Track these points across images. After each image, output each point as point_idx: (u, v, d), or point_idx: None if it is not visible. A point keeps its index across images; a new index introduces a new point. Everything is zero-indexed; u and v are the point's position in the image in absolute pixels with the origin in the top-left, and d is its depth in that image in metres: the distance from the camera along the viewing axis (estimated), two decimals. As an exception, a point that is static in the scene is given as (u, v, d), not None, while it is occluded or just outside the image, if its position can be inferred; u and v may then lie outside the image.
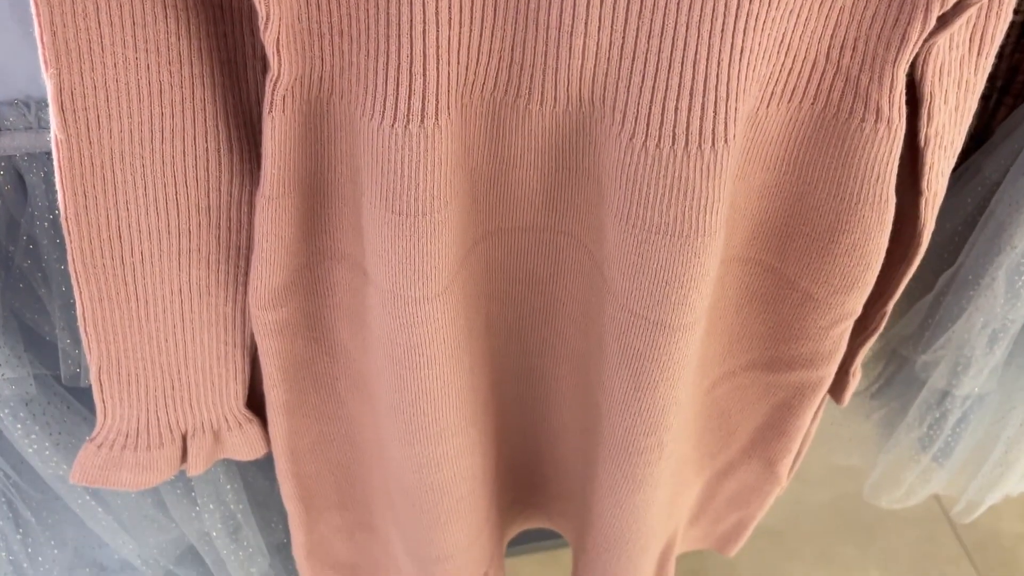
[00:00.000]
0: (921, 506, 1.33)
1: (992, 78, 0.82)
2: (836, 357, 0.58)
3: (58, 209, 0.46)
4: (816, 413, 0.66)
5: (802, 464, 0.73)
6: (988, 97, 0.81)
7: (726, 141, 0.42)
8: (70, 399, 0.60)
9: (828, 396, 0.66)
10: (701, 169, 0.43)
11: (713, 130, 0.42)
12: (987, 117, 0.79)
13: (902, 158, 0.49)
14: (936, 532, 1.30)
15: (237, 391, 0.56)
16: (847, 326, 0.56)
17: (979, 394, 0.73)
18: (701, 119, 0.42)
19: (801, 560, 1.26)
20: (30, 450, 0.58)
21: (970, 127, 0.88)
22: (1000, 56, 0.80)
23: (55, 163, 0.43)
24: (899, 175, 0.49)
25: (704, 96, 0.41)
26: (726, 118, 0.42)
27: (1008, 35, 0.78)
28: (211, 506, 0.65)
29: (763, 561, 1.25)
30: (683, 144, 0.42)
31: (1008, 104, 0.76)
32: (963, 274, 0.68)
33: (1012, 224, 0.65)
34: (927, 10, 0.42)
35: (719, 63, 0.40)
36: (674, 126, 0.42)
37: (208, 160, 0.46)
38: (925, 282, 0.73)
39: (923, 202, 0.51)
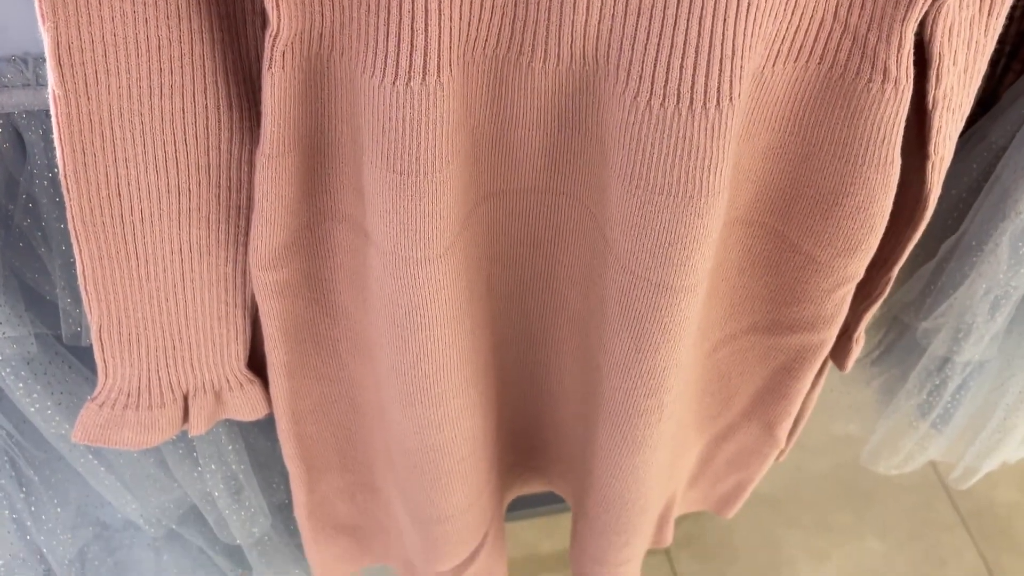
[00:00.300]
0: (918, 474, 1.34)
1: (1000, 42, 0.81)
2: (837, 321, 0.58)
3: (57, 167, 0.46)
4: (817, 379, 0.66)
5: (801, 433, 0.73)
6: (996, 62, 0.80)
7: (731, 100, 0.42)
8: (71, 359, 0.60)
9: (831, 363, 0.66)
10: (706, 128, 0.42)
11: (718, 88, 0.41)
12: (995, 82, 0.78)
13: (909, 121, 0.48)
14: (932, 500, 1.32)
15: (238, 352, 0.56)
16: (849, 289, 0.56)
17: (979, 361, 0.73)
18: (706, 77, 0.41)
19: (799, 527, 1.27)
20: (32, 409, 0.58)
21: (977, 92, 0.87)
22: (1009, 19, 0.79)
23: (53, 119, 0.43)
24: (906, 138, 0.49)
25: (709, 54, 0.41)
26: (731, 76, 0.41)
27: (1015, 6, 0.77)
28: (213, 466, 0.66)
29: (761, 527, 1.27)
30: (688, 103, 0.42)
31: (1016, 70, 0.75)
32: (967, 240, 0.68)
33: (1017, 190, 0.64)
34: (937, -32, 0.41)
35: (724, 20, 0.40)
36: (679, 84, 0.41)
37: (208, 118, 0.45)
38: (928, 249, 0.73)
39: (930, 166, 0.51)
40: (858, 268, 0.54)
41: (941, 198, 0.68)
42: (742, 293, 0.59)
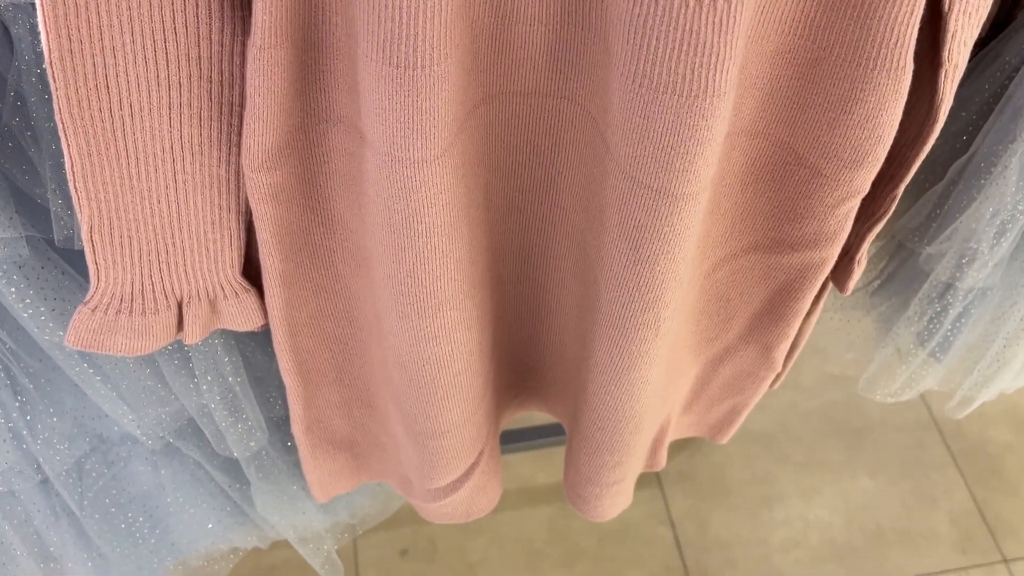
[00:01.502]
0: (910, 413, 1.35)
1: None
2: (840, 238, 0.57)
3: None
4: (817, 301, 0.65)
5: (795, 372, 0.73)
6: (1013, -16, 0.77)
7: (740, -9, 0.40)
8: (65, 265, 0.59)
9: (831, 286, 0.66)
10: (714, 23, 0.41)
11: (727, -21, 0.40)
12: (1009, 4, 0.76)
13: (922, 30, 0.47)
14: (924, 439, 1.33)
15: (233, 258, 0.56)
16: (854, 205, 0.55)
17: (982, 288, 0.73)
18: (715, -33, 0.40)
19: (791, 464, 1.28)
20: (25, 315, 0.58)
21: (990, 16, 0.84)
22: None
23: (37, 2, 0.41)
24: (918, 48, 0.47)
25: None
26: (741, -33, 0.40)
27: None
28: (209, 378, 0.66)
29: (754, 464, 1.28)
30: None
31: (1033, -10, 0.73)
32: (975, 161, 0.66)
33: (1029, 112, 0.63)
34: None
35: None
36: None
37: (197, 4, 0.44)
38: (936, 174, 0.72)
39: (943, 74, 0.49)
40: (864, 182, 0.53)
41: (951, 120, 0.66)
42: (744, 209, 0.58)
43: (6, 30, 0.51)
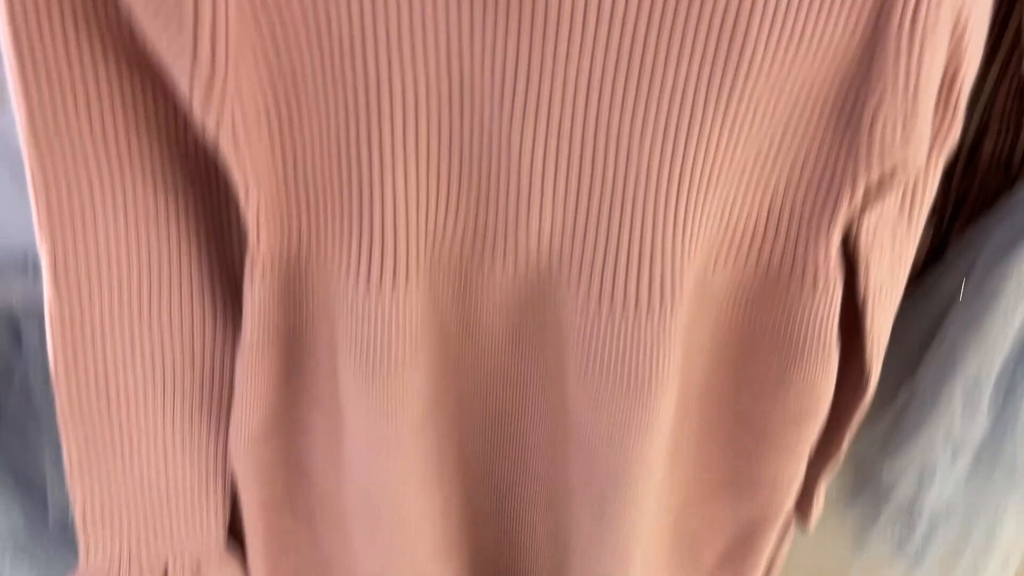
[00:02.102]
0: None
1: (943, 194, 0.86)
2: (793, 487, 0.60)
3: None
4: (783, 536, 0.67)
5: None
6: (943, 212, 0.84)
7: (673, 304, 0.46)
8: (59, 543, 0.61)
9: (795, 520, 0.68)
10: (651, 330, 0.46)
11: (661, 294, 0.45)
12: (943, 232, 0.82)
13: (845, 304, 0.52)
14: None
15: (217, 527, 0.58)
16: (803, 451, 0.58)
17: (946, 507, 0.75)
18: (650, 284, 0.45)
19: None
20: (18, 588, 0.59)
21: (926, 244, 0.91)
22: (950, 175, 0.84)
23: (47, 320, 0.46)
24: (843, 322, 0.52)
25: (651, 263, 0.45)
26: (673, 283, 0.45)
27: (956, 159, 0.82)
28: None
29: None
30: (633, 306, 0.46)
31: (959, 228, 0.80)
32: (920, 392, 0.71)
33: (966, 345, 0.68)
34: (854, 184, 0.46)
35: (664, 235, 0.44)
36: (624, 290, 0.45)
37: (193, 324, 0.49)
38: (885, 396, 0.76)
39: (867, 353, 0.54)
40: (810, 433, 0.57)
41: (896, 345, 0.70)
42: (705, 459, 0.61)
43: (16, 326, 0.56)
